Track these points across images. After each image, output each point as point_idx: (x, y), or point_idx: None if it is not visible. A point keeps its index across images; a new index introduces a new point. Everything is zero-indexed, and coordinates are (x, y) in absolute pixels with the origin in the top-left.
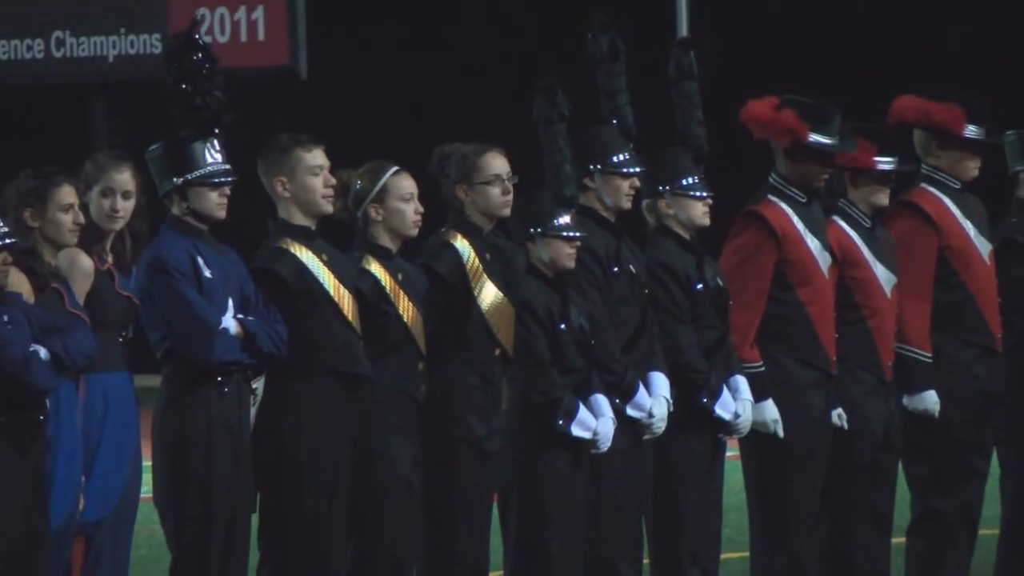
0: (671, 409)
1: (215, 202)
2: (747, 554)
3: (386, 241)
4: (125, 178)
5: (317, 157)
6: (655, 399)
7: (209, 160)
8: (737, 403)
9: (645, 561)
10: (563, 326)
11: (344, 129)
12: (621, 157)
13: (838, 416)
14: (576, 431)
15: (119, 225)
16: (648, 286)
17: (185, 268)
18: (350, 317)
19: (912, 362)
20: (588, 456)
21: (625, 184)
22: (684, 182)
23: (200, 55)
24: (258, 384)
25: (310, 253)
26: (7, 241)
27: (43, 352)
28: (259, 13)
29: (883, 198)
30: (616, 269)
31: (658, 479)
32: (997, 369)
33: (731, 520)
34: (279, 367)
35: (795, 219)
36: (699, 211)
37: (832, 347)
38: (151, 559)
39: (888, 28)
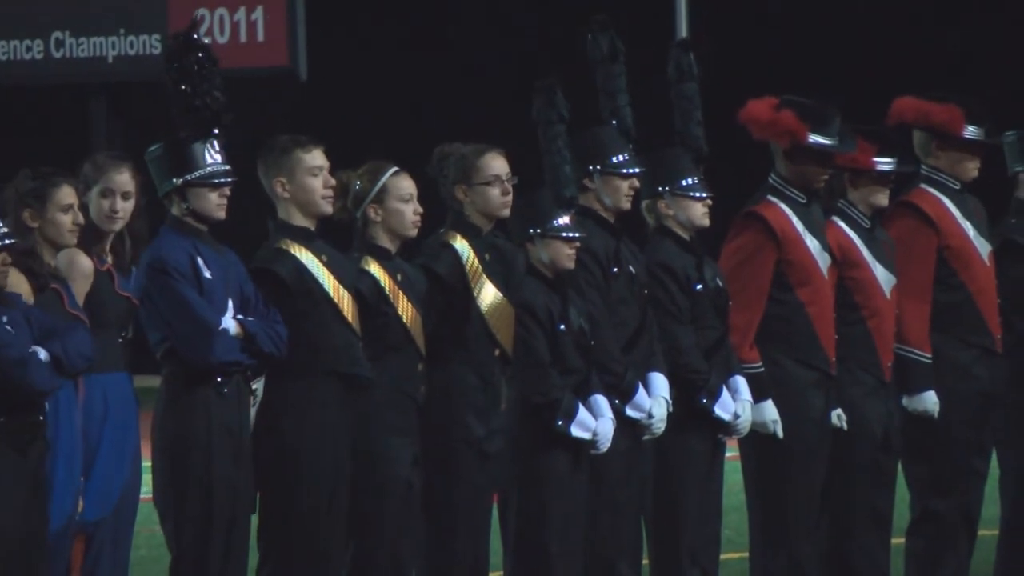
0: (671, 410)
1: (215, 203)
2: (747, 555)
3: (385, 242)
4: (124, 179)
5: (316, 158)
6: (655, 400)
7: (209, 161)
8: (737, 404)
9: (645, 562)
10: (563, 327)
11: (344, 130)
12: (620, 158)
13: (837, 417)
14: (576, 432)
15: (118, 226)
16: (648, 287)
17: (185, 269)
18: (350, 318)
19: (912, 363)
20: (588, 457)
21: (624, 185)
22: (684, 183)
23: (200, 56)
24: (258, 385)
25: (310, 254)
26: (7, 242)
27: (43, 354)
28: (258, 14)
29: (882, 199)
30: (616, 270)
31: (658, 480)
32: (997, 370)
33: (731, 521)
34: (279, 368)
35: (795, 220)
36: (699, 212)
37: (832, 348)
38: (151, 560)
39: (888, 28)
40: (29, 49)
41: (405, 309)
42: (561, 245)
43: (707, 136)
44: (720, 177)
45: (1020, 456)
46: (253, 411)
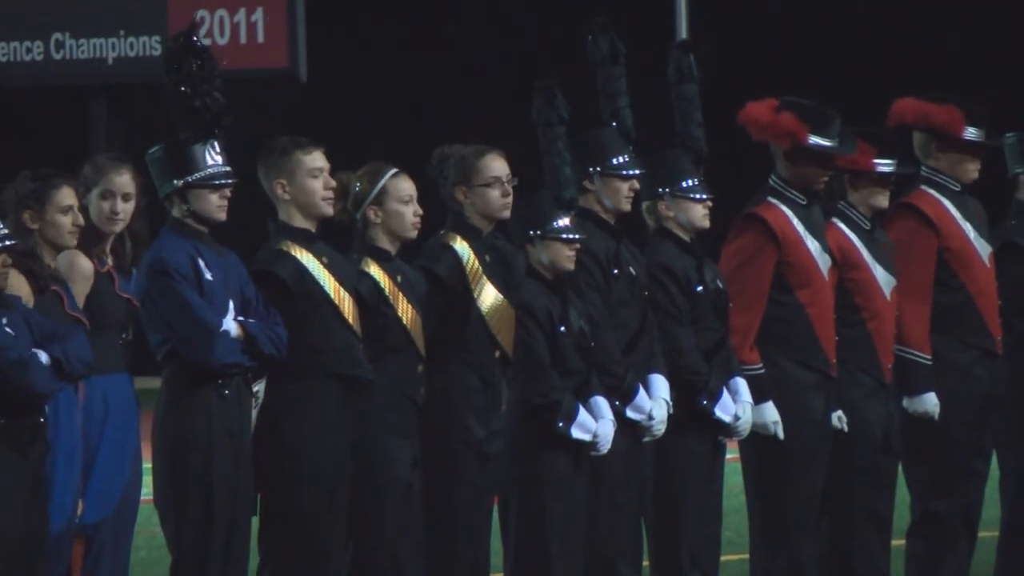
0: (671, 411)
1: (215, 204)
2: (747, 556)
3: (385, 243)
4: (125, 180)
5: (317, 160)
6: (655, 401)
7: (209, 162)
8: (737, 405)
9: (645, 563)
10: (563, 328)
11: (343, 131)
12: (621, 159)
13: (838, 418)
14: (576, 433)
15: (119, 227)
16: (648, 288)
17: (186, 270)
18: (350, 319)
19: (912, 364)
20: (588, 458)
21: (625, 186)
22: (684, 184)
23: (199, 57)
24: (259, 387)
25: (310, 255)
26: (7, 243)
27: (43, 357)
28: (258, 15)
29: (883, 200)
30: (616, 271)
31: (658, 481)
32: (997, 371)
33: (731, 522)
34: (279, 369)
35: (795, 221)
36: (699, 213)
37: (832, 349)
38: (151, 561)
39: (888, 29)
40: (29, 50)
41: (405, 311)
42: (561, 247)
43: (707, 137)
44: (720, 179)
45: (1020, 457)
46: (254, 413)
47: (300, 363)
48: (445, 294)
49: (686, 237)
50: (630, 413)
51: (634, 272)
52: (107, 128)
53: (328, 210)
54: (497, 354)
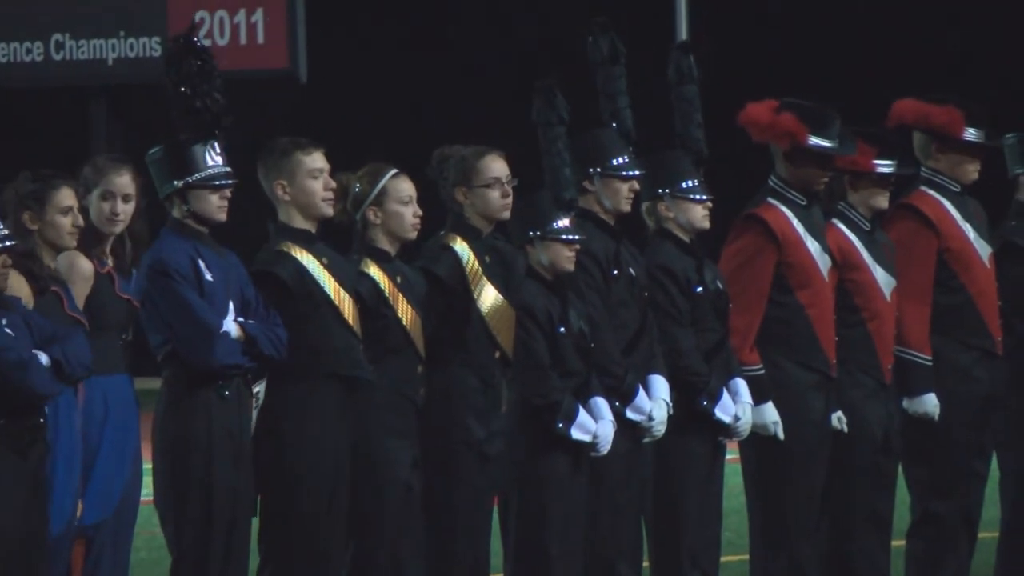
0: (671, 412)
1: (216, 204)
2: (747, 557)
3: (385, 244)
4: (125, 181)
5: (317, 160)
6: (655, 402)
7: (209, 163)
8: (737, 406)
9: (645, 564)
10: (562, 329)
11: (343, 132)
12: (621, 160)
13: (838, 419)
14: (576, 434)
15: (119, 228)
16: (648, 289)
17: (186, 271)
18: (350, 320)
19: (912, 365)
20: (588, 459)
21: (625, 187)
22: (684, 185)
23: (200, 58)
24: (259, 388)
25: (310, 256)
26: (7, 244)
27: (44, 358)
28: (258, 16)
29: (883, 201)
30: (616, 272)
31: (658, 482)
32: (997, 372)
33: (731, 523)
34: (280, 370)
35: (795, 222)
36: (699, 214)
37: (832, 350)
38: (151, 562)
39: (888, 29)
40: (29, 51)
41: (405, 311)
42: (561, 247)
43: (707, 138)
44: (720, 179)
45: (1020, 458)
46: (255, 414)
47: (300, 364)
48: (445, 295)
49: (686, 238)
50: (630, 414)
51: (634, 273)
52: (107, 129)
53: (328, 211)
54: (497, 355)
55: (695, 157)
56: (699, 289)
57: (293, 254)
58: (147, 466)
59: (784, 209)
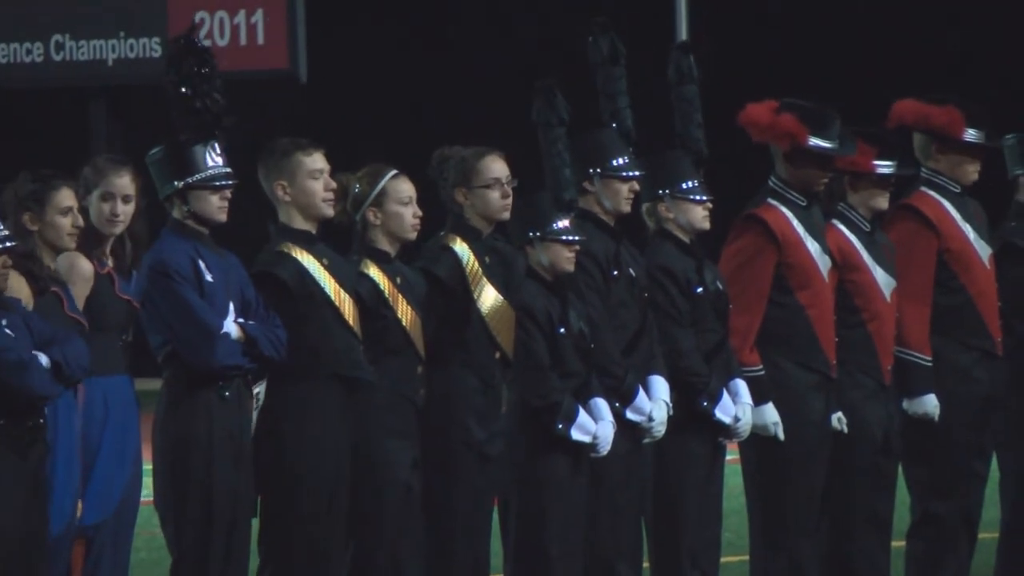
0: (671, 413)
1: (216, 205)
2: (747, 557)
3: (384, 245)
4: (125, 182)
5: (317, 161)
6: (655, 403)
7: (210, 163)
8: (737, 407)
9: (645, 564)
10: (562, 330)
11: (343, 132)
12: (621, 161)
13: (838, 420)
14: (576, 435)
15: (119, 229)
16: (648, 290)
17: (187, 272)
18: (351, 321)
19: (912, 366)
20: (587, 460)
21: (625, 188)
22: (684, 186)
23: (200, 59)
24: (260, 388)
25: (311, 257)
26: (7, 244)
27: (44, 359)
28: (258, 17)
29: (883, 202)
30: (616, 273)
31: (658, 483)
32: (997, 373)
33: (731, 523)
34: (280, 371)
35: (795, 222)
36: (699, 215)
37: (832, 351)
38: (151, 562)
39: (888, 30)
40: (29, 52)
41: (404, 312)
42: (560, 248)
43: (707, 139)
44: (720, 180)
45: (1020, 459)
46: (255, 415)
47: (301, 365)
48: (445, 295)
49: (686, 238)
50: (630, 415)
51: (634, 273)
52: (107, 130)
53: (329, 211)
54: (497, 355)
55: (695, 157)
56: (699, 290)
57: (294, 255)
58: (147, 467)
59: (784, 210)
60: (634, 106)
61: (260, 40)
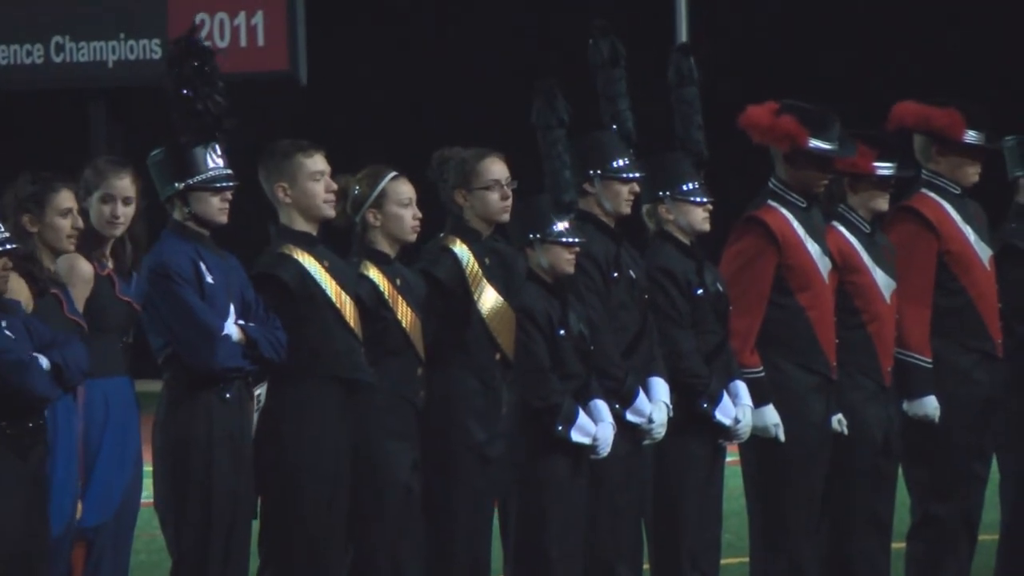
0: (671, 414)
1: (217, 207)
2: (747, 559)
3: (384, 246)
4: (125, 184)
5: (318, 163)
6: (655, 404)
7: (211, 165)
8: (737, 408)
9: (645, 566)
10: (562, 332)
11: (344, 134)
12: (621, 162)
13: (838, 421)
14: (576, 437)
15: (119, 231)
16: (648, 291)
17: (187, 273)
18: (351, 323)
19: (912, 367)
20: (588, 461)
21: (625, 189)
22: (684, 187)
23: (200, 60)
24: (260, 390)
25: (312, 259)
26: (7, 247)
27: (44, 362)
28: (258, 18)
29: (883, 203)
30: (616, 274)
31: (658, 484)
32: (997, 374)
33: (731, 525)
34: (280, 373)
35: (795, 224)
36: (699, 216)
37: (832, 352)
38: (151, 564)
39: (888, 31)
40: (29, 53)
41: (404, 314)
42: (560, 250)
43: (707, 140)
44: (720, 182)
45: (1020, 460)
46: (255, 417)
47: (301, 366)
48: (445, 297)
49: (686, 240)
50: (630, 416)
51: (634, 275)
52: (107, 131)
53: (330, 213)
54: (497, 357)
55: (695, 159)
56: (699, 291)
57: (295, 257)
58: (147, 468)
59: (784, 211)
60: (634, 108)
61: (260, 42)
